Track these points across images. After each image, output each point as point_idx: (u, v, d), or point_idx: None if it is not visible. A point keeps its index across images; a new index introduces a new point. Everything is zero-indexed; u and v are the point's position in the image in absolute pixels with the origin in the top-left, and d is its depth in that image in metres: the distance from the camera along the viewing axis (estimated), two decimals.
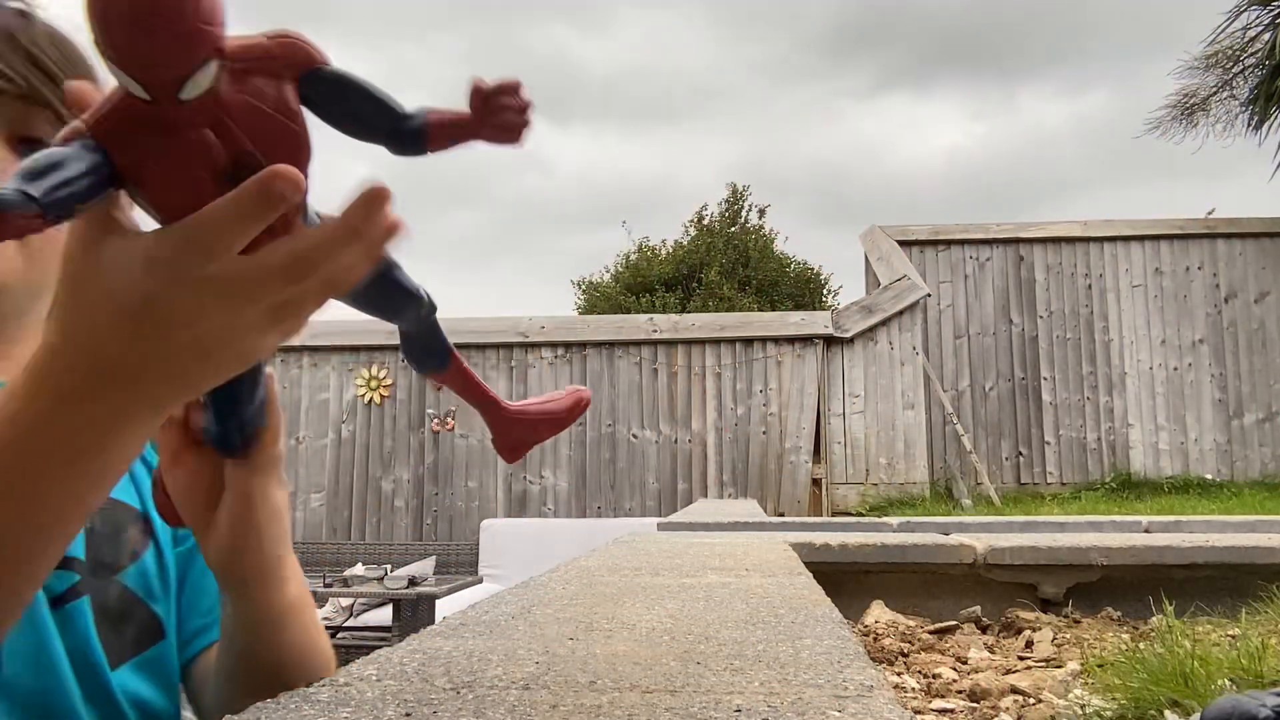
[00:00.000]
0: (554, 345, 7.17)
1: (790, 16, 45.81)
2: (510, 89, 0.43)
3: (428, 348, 0.57)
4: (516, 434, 0.61)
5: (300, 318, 0.45)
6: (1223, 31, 8.12)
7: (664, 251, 17.73)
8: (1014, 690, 1.45)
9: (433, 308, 0.54)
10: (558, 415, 0.60)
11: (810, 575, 1.29)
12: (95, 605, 0.72)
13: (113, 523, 0.76)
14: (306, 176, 0.43)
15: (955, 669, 1.67)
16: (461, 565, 6.75)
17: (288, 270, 0.42)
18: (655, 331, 7.13)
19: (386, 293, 0.51)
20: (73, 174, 0.39)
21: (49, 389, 0.44)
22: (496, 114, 0.43)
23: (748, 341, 7.14)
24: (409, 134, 0.44)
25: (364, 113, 0.44)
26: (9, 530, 0.47)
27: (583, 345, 7.07)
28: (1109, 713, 1.24)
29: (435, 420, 7.25)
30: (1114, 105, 45.94)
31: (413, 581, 5.20)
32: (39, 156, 0.39)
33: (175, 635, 0.80)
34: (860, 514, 6.60)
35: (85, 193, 0.40)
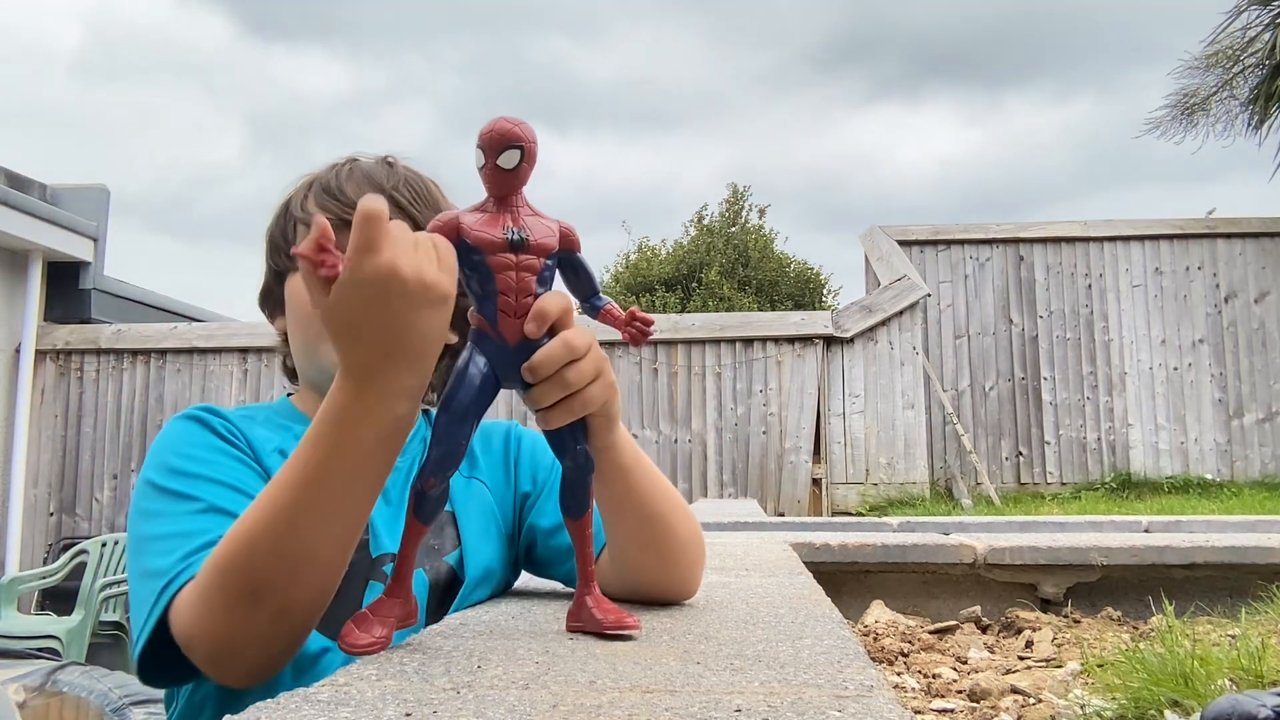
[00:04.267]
0: None
1: (780, 31, 46.10)
2: (647, 321, 0.80)
3: (573, 494, 0.79)
4: (585, 616, 0.79)
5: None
6: (1223, 31, 8.12)
7: (664, 251, 17.72)
8: (1014, 690, 1.45)
9: (590, 466, 0.78)
10: (619, 626, 0.78)
11: (810, 575, 1.28)
12: (430, 577, 1.02)
13: (437, 523, 0.99)
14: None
15: (955, 669, 1.67)
16: None
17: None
18: (655, 331, 7.11)
19: (571, 438, 0.78)
20: None
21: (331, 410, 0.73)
22: (634, 328, 0.80)
23: (748, 341, 7.14)
24: (590, 309, 0.80)
25: (580, 283, 0.79)
26: (348, 510, 0.77)
27: None
28: (1109, 713, 1.24)
29: None
30: (1100, 113, 46.31)
31: None
32: None
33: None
34: (860, 514, 6.60)
35: None
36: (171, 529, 0.88)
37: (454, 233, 0.72)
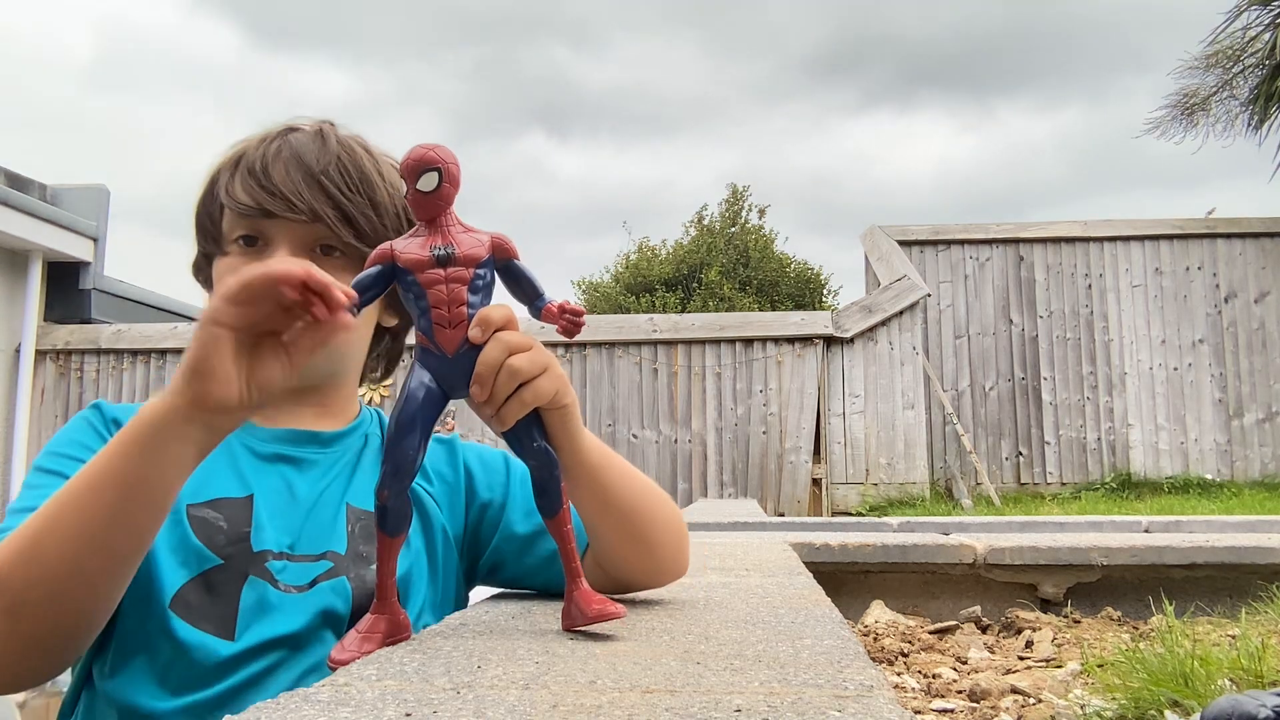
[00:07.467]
0: (554, 345, 7.16)
1: (774, 41, 46.42)
2: (577, 312, 0.78)
3: (544, 492, 0.80)
4: (573, 612, 0.80)
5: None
6: (1223, 31, 8.12)
7: (664, 251, 17.72)
8: (1014, 690, 1.45)
9: (553, 462, 0.80)
10: (602, 617, 0.79)
11: (810, 575, 1.28)
12: (354, 584, 0.98)
13: (368, 532, 1.01)
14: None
15: (955, 669, 1.66)
16: None
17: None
18: (655, 331, 7.13)
19: (528, 436, 0.80)
20: (375, 289, 0.77)
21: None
22: (564, 319, 0.78)
23: (748, 341, 7.14)
24: (534, 311, 0.79)
25: (521, 289, 0.80)
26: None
27: (583, 345, 7.07)
28: (1109, 713, 1.24)
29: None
30: (1090, 119, 46.67)
31: None
32: (362, 277, 0.77)
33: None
34: (860, 514, 6.60)
35: (375, 295, 0.78)
36: (24, 503, 0.89)
37: (388, 259, 0.77)
